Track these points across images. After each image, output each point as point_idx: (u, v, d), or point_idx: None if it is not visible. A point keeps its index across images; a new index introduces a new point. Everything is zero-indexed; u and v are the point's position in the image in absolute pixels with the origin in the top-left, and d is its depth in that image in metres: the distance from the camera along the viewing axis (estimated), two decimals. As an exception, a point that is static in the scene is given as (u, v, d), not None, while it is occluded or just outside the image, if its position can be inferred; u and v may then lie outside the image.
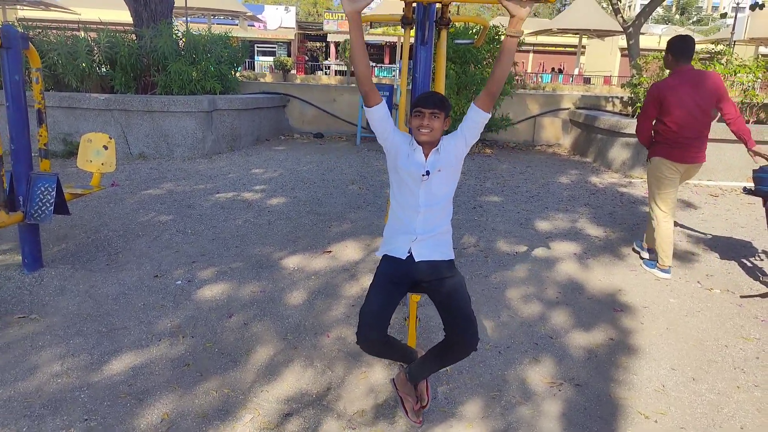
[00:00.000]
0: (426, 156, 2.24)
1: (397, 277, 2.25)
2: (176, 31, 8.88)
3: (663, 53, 4.19)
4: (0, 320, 3.08)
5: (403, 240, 2.28)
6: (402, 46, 3.53)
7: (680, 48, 3.87)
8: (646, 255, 4.37)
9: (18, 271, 3.65)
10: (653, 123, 4.00)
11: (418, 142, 2.24)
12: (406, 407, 2.34)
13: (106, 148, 3.94)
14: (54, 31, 8.62)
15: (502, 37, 9.09)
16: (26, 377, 2.58)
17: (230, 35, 10.03)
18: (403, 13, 2.97)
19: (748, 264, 4.39)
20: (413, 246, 2.26)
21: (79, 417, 2.32)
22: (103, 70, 8.63)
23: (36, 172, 3.56)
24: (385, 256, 2.33)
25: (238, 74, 10.59)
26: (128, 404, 2.41)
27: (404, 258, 2.26)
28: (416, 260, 2.25)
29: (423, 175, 2.22)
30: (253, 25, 30.13)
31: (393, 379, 2.43)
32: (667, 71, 4.17)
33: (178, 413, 2.37)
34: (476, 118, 2.24)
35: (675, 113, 3.81)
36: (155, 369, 2.69)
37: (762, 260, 4.48)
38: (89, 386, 2.53)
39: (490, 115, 2.25)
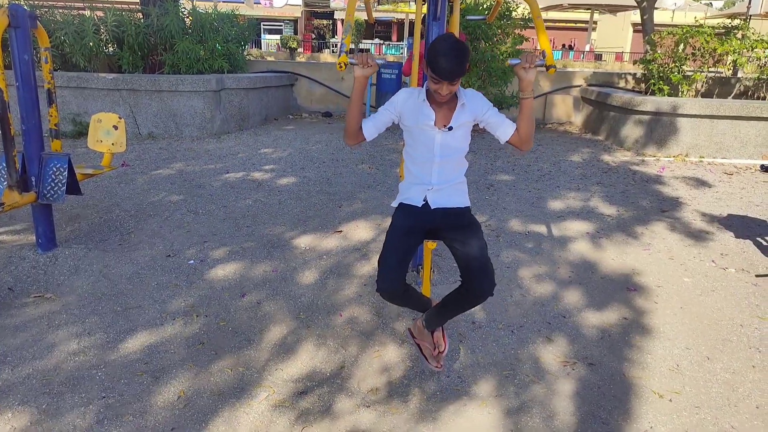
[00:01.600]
0: (440, 107, 2.21)
1: (413, 226, 2.27)
2: (183, 10, 8.79)
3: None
4: (16, 299, 3.11)
5: (419, 190, 2.30)
6: (414, 22, 3.51)
7: None
8: None
9: (32, 251, 3.68)
10: None
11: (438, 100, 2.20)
12: (425, 353, 2.39)
13: (116, 128, 3.94)
14: (60, 11, 8.56)
15: (513, 13, 8.95)
16: (44, 355, 2.61)
17: (237, 13, 9.93)
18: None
19: (764, 243, 4.34)
20: (429, 195, 2.28)
21: (97, 394, 2.35)
22: (111, 49, 8.58)
23: (47, 152, 3.56)
24: (400, 205, 2.35)
25: (245, 52, 10.51)
26: (145, 382, 2.44)
27: (420, 206, 2.28)
28: (432, 207, 2.27)
29: (444, 128, 2.20)
30: (260, 3, 29.80)
31: (409, 328, 2.48)
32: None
33: (194, 391, 2.40)
34: (498, 133, 2.27)
35: None
36: (170, 347, 2.71)
37: (777, 239, 4.42)
38: (106, 364, 2.56)
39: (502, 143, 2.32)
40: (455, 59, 2.00)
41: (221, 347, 2.73)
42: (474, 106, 2.25)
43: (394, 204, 2.39)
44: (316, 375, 2.55)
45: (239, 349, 2.73)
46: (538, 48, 2.32)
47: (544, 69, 2.22)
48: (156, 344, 2.74)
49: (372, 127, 2.32)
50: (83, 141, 6.71)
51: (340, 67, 2.26)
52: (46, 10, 8.56)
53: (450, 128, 2.21)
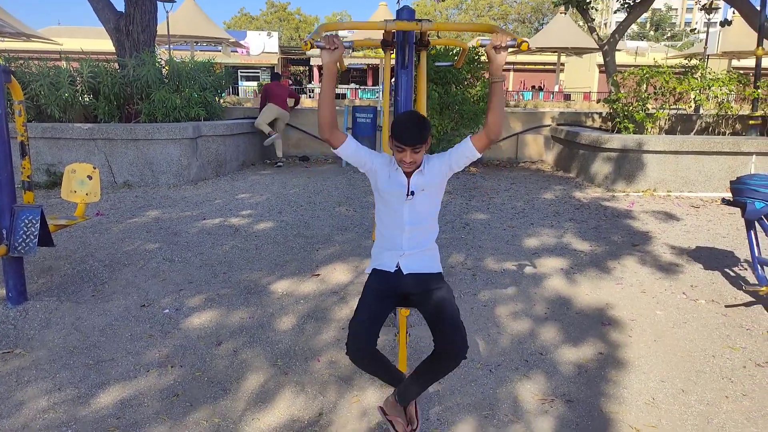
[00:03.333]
0: (408, 176, 2.26)
1: (386, 291, 2.27)
2: (159, 60, 8.92)
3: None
4: (-16, 356, 3.03)
5: (391, 255, 2.32)
6: (384, 68, 3.63)
7: None
8: None
9: (2, 305, 3.60)
10: None
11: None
12: (398, 430, 2.32)
13: (90, 178, 3.94)
14: (36, 62, 8.61)
15: (482, 57, 9.27)
16: (12, 413, 2.53)
17: (213, 61, 10.10)
18: (383, 37, 3.03)
19: (731, 273, 4.46)
20: (401, 260, 2.29)
21: (67, 453, 2.27)
22: (86, 99, 8.62)
23: (19, 204, 3.53)
24: (374, 270, 2.36)
25: (221, 100, 10.64)
26: (117, 438, 2.37)
27: (392, 271, 2.29)
28: (404, 273, 2.28)
29: (407, 196, 2.25)
30: (237, 51, 30.31)
31: (380, 406, 2.39)
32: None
33: (168, 445, 2.34)
34: (467, 154, 2.25)
35: None
36: (144, 400, 2.66)
37: (744, 269, 4.55)
38: (77, 420, 2.49)
39: (480, 156, 2.27)
40: (415, 127, 2.15)
41: (196, 398, 2.68)
42: (433, 168, 2.27)
43: (368, 270, 2.40)
44: (294, 423, 2.51)
45: (215, 399, 2.68)
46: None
47: (516, 47, 2.18)
48: (129, 398, 2.68)
49: (353, 146, 2.26)
50: (57, 191, 6.65)
51: (305, 45, 2.21)
52: (22, 62, 8.61)
53: (412, 194, 2.24)
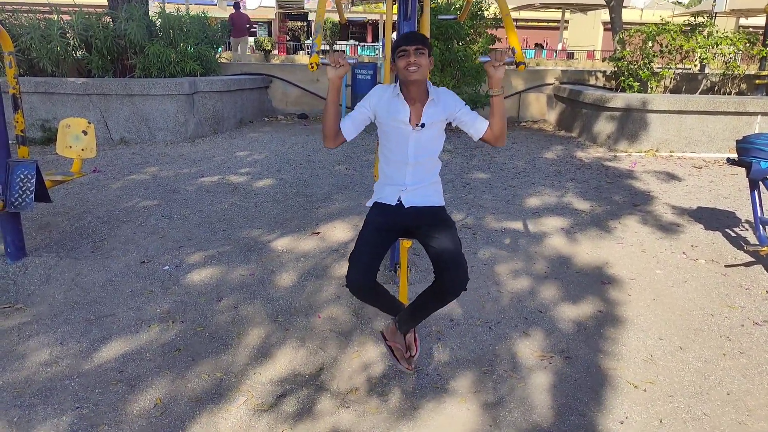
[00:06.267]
0: (413, 105, 2.24)
1: (387, 223, 2.27)
2: (154, 13, 8.67)
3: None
4: (-16, 311, 3.03)
5: (392, 190, 2.31)
6: (385, 22, 3.54)
7: None
8: None
9: (1, 260, 3.59)
10: None
11: (410, 83, 2.20)
12: (397, 355, 2.38)
13: (85, 133, 3.86)
14: (26, 15, 8.36)
15: (485, 12, 9.03)
16: (15, 367, 2.55)
17: (208, 15, 9.82)
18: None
19: (732, 234, 4.46)
20: (402, 195, 2.29)
21: (71, 405, 2.30)
22: (79, 54, 8.42)
23: (14, 159, 3.47)
24: (375, 204, 2.36)
25: (218, 56, 10.40)
26: (120, 391, 2.40)
27: (393, 204, 2.29)
28: (405, 206, 2.28)
29: (417, 126, 2.22)
30: (232, 5, 29.52)
31: (381, 330, 2.46)
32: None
33: (171, 398, 2.36)
34: (471, 131, 2.30)
35: None
36: (146, 355, 2.67)
37: (745, 230, 4.54)
38: (79, 374, 2.51)
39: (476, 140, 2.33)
40: (415, 33, 2.29)
41: (198, 353, 2.70)
42: (446, 103, 2.26)
43: (369, 204, 2.39)
44: (295, 377, 2.53)
45: (216, 354, 2.70)
46: (509, 46, 2.34)
47: (514, 66, 2.24)
48: (131, 352, 2.69)
49: (350, 126, 2.30)
50: (52, 147, 6.56)
51: (312, 67, 2.26)
52: (10, 14, 8.36)
53: (422, 125, 2.22)
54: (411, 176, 2.28)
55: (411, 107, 2.24)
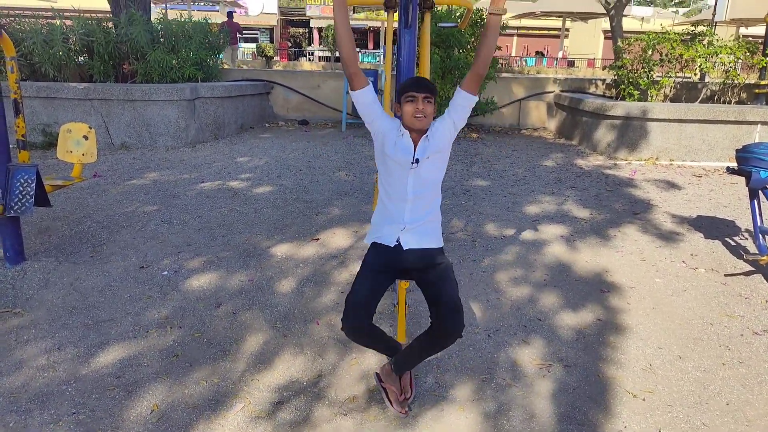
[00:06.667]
0: (415, 142, 2.22)
1: (385, 265, 2.25)
2: (156, 19, 8.71)
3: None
4: (-18, 315, 3.03)
5: (391, 229, 2.27)
6: (386, 30, 3.56)
7: None
8: None
9: (0, 265, 3.58)
10: None
11: (412, 129, 2.20)
12: (391, 398, 2.32)
13: (86, 138, 3.87)
14: (28, 19, 8.40)
15: (486, 18, 9.05)
16: (12, 372, 2.54)
17: (210, 21, 9.86)
18: (386, -4, 2.93)
19: (732, 243, 4.45)
20: (402, 235, 2.25)
21: (67, 410, 2.29)
22: (81, 59, 8.44)
23: (14, 163, 3.48)
24: (373, 244, 2.32)
25: (220, 62, 10.44)
26: (117, 396, 2.39)
27: (392, 246, 2.25)
28: (404, 248, 2.24)
29: (412, 163, 2.20)
30: (234, 11, 29.67)
31: (377, 372, 2.41)
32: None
33: (168, 404, 2.35)
34: (463, 102, 2.22)
35: None
36: (144, 360, 2.67)
37: (745, 239, 4.54)
38: (77, 379, 2.50)
39: (477, 98, 2.24)
40: (424, 80, 2.22)
41: (196, 359, 2.69)
42: (436, 132, 2.23)
43: (367, 241, 2.36)
44: (294, 384, 2.53)
45: (214, 360, 2.69)
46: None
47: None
48: (129, 357, 2.69)
49: (372, 95, 2.22)
50: (53, 152, 6.56)
51: None
52: (13, 18, 8.39)
53: (417, 161, 2.20)
54: (410, 213, 2.25)
55: (414, 145, 2.22)
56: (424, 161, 2.21)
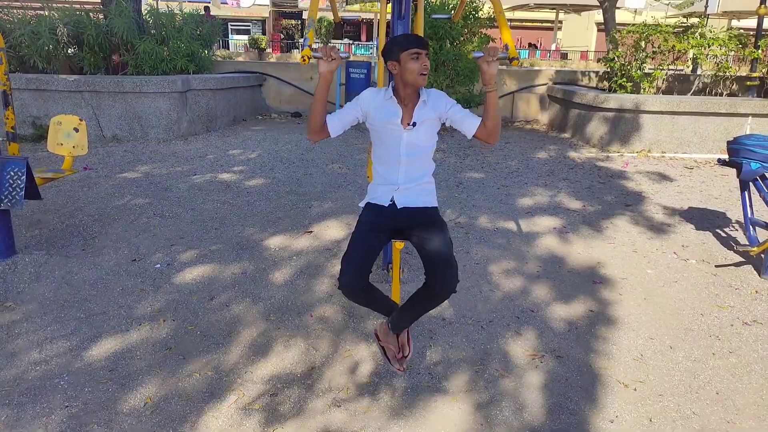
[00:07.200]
0: (405, 105, 2.24)
1: (379, 224, 2.27)
2: (146, 10, 8.63)
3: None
4: (-27, 309, 3.00)
5: (385, 190, 2.31)
6: (379, 21, 3.55)
7: None
8: None
9: (-10, 258, 3.56)
10: None
11: (414, 86, 2.20)
12: (389, 356, 2.38)
13: (77, 130, 3.84)
14: (17, 11, 8.29)
15: (479, 13, 9.04)
16: (3, 366, 2.53)
17: (202, 13, 9.78)
18: (380, -14, 2.91)
19: (723, 234, 4.49)
20: (395, 194, 2.28)
21: (60, 404, 2.28)
22: (71, 51, 8.36)
23: (4, 156, 3.44)
24: (367, 204, 2.35)
25: (212, 53, 10.36)
26: (110, 389, 2.39)
27: (386, 205, 2.28)
28: (398, 207, 2.27)
29: (408, 125, 2.22)
30: (226, 3, 29.42)
31: (375, 330, 2.46)
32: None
33: (162, 397, 2.35)
34: (463, 128, 2.27)
35: None
36: (137, 353, 2.66)
37: (736, 230, 4.58)
38: (69, 373, 2.49)
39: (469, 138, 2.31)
40: (420, 36, 2.27)
41: (189, 351, 2.69)
42: (436, 103, 2.26)
43: (361, 204, 2.39)
44: (287, 376, 2.53)
45: (208, 352, 2.69)
46: (503, 43, 2.33)
47: (507, 61, 2.22)
48: (121, 351, 2.68)
49: (337, 123, 2.28)
50: (44, 144, 6.50)
51: (304, 60, 2.25)
52: (1, 9, 8.29)
53: (414, 124, 2.22)
54: (404, 175, 2.28)
55: (403, 109, 2.24)
56: (421, 125, 2.23)
